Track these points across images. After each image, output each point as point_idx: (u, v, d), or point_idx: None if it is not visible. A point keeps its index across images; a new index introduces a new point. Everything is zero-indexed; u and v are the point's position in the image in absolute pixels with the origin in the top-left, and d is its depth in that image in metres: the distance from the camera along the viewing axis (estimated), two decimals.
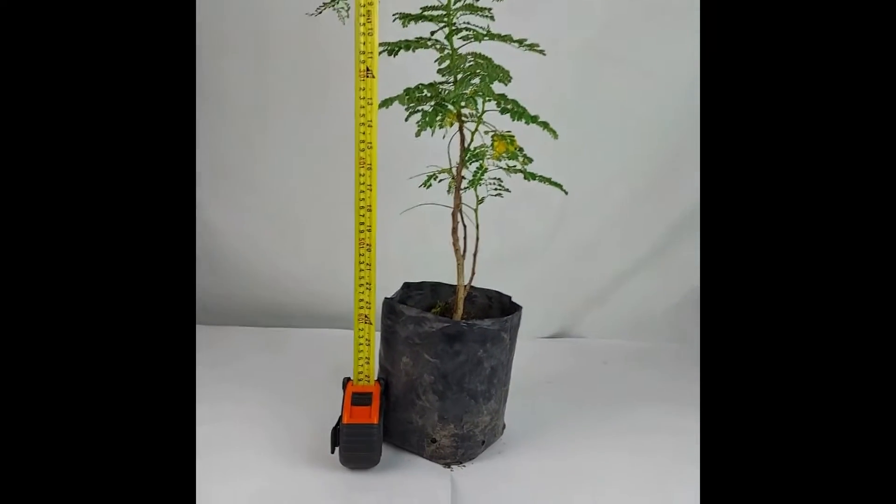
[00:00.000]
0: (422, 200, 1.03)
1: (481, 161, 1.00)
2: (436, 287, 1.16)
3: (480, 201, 1.03)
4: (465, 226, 1.07)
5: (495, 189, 1.02)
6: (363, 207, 0.97)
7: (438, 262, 1.34)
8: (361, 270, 0.98)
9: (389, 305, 1.03)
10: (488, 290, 1.15)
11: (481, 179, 0.98)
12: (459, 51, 0.99)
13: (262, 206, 1.50)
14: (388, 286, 1.13)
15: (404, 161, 1.30)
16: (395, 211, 1.15)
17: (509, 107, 0.93)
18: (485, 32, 0.95)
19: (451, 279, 1.14)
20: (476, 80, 0.94)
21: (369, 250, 0.98)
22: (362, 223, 0.97)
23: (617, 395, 1.23)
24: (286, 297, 1.52)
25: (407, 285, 1.14)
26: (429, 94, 0.98)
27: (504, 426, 1.10)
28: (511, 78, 0.95)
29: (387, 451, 1.02)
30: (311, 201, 1.50)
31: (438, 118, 0.96)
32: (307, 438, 1.05)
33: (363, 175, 0.96)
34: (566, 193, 1.02)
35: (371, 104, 0.95)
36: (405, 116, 1.01)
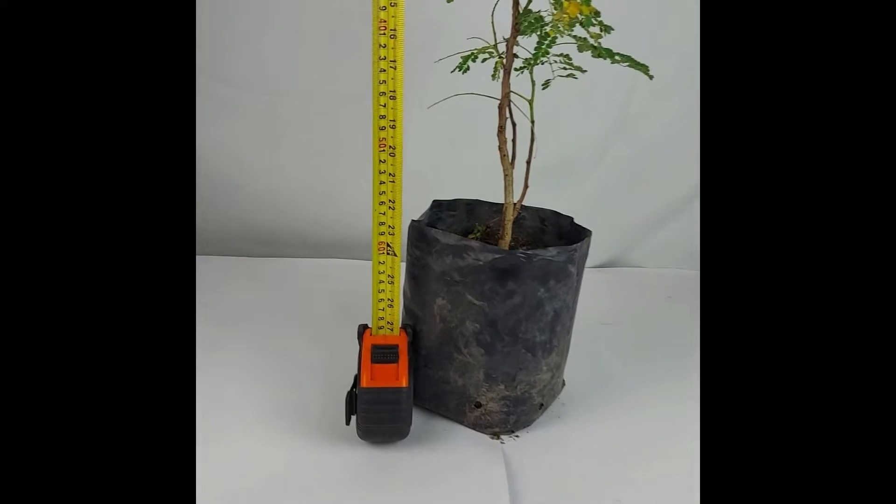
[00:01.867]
0: (455, 90, 0.78)
1: (544, 28, 0.73)
2: (472, 206, 0.92)
3: (546, 85, 0.77)
4: (514, 123, 0.82)
5: (563, 68, 0.76)
6: (384, 94, 0.71)
7: (474, 174, 1.09)
8: (382, 183, 0.74)
9: (419, 230, 0.79)
10: (541, 209, 0.91)
11: (546, 53, 0.72)
12: None
13: (248, 107, 1.22)
14: (410, 206, 0.88)
15: (431, 37, 1.03)
16: (419, 105, 0.89)
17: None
18: None
19: (492, 195, 0.90)
20: None
21: (393, 155, 0.73)
22: (383, 116, 0.72)
23: (688, 339, 1.01)
24: (276, 220, 1.27)
25: (437, 204, 0.89)
26: None
27: (563, 383, 0.89)
28: None
29: (417, 418, 0.81)
30: (306, 96, 1.23)
31: None
32: (313, 404, 0.84)
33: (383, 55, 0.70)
34: (651, 78, 0.76)
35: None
36: None
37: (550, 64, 0.76)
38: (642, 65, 0.75)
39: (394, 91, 0.71)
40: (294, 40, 1.19)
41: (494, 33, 0.80)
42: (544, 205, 0.91)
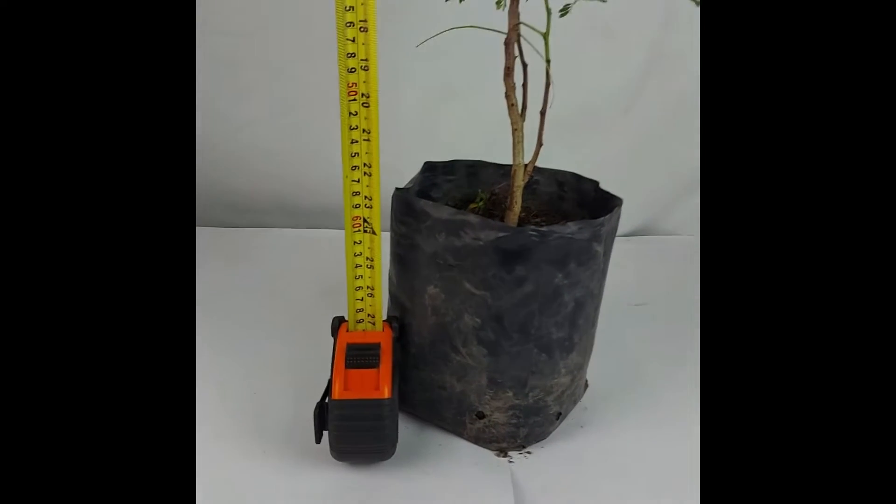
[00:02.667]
0: (451, 24, 0.63)
1: None
2: (475, 169, 0.76)
3: (564, 11, 0.60)
4: (525, 64, 0.66)
5: None
6: (352, 25, 0.55)
7: (477, 131, 0.93)
8: (354, 142, 0.58)
9: (404, 201, 0.63)
10: (558, 171, 0.75)
11: None
12: None
13: (209, 50, 1.06)
14: (397, 172, 0.73)
15: None
16: (406, 43, 0.73)
17: None
18: None
19: (498, 155, 0.74)
20: None
21: (367, 105, 0.57)
22: (351, 54, 0.56)
23: None
24: (250, 184, 1.12)
25: (430, 167, 0.74)
26: None
27: (586, 384, 0.74)
28: None
29: (405, 430, 0.67)
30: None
31: None
32: (282, 414, 0.70)
33: None
34: (698, 4, 0.58)
35: None
36: None
37: None
38: None
39: (364, 21, 0.55)
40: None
41: None
42: (562, 165, 0.75)
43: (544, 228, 0.58)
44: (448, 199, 0.75)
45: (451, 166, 0.75)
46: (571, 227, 0.59)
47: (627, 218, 1.11)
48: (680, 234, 1.14)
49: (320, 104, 1.07)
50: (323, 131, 1.08)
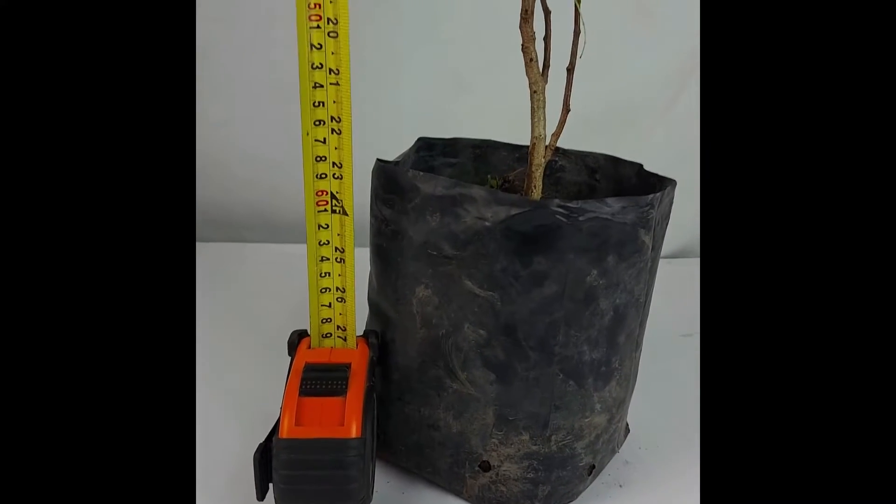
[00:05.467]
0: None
1: None
2: (483, 150, 0.62)
3: None
4: (548, 10, 0.53)
5: None
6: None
7: (488, 110, 0.80)
8: (317, 86, 0.45)
9: (388, 174, 0.49)
10: (590, 153, 0.61)
11: None
12: None
13: None
14: (393, 150, 0.60)
15: None
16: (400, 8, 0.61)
17: None
18: None
19: (513, 136, 0.61)
20: None
21: (335, 35, 0.44)
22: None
23: None
24: (226, 195, 0.99)
25: (427, 145, 0.60)
26: None
27: (627, 428, 0.58)
28: None
29: (384, 483, 0.51)
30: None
31: None
32: (226, 462, 0.55)
33: None
34: None
35: None
36: None
37: None
38: None
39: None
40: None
41: None
42: None
43: (574, 204, 0.44)
44: None
45: (452, 145, 0.61)
46: (612, 205, 0.45)
47: (672, 236, 0.97)
48: None
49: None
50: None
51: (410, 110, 0.89)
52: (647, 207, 0.46)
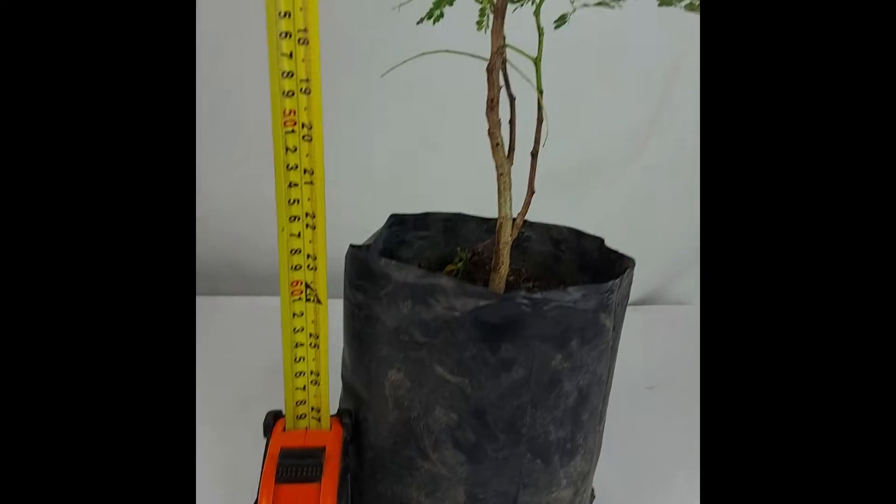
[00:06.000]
0: (421, 48, 0.54)
1: None
2: (453, 223, 0.65)
3: (560, 21, 0.51)
4: (513, 96, 0.56)
5: None
6: (287, 36, 0.44)
7: (455, 181, 0.83)
8: (293, 186, 0.47)
9: (360, 261, 0.51)
10: (554, 226, 0.64)
11: None
12: None
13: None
14: (360, 229, 0.62)
15: None
16: (370, 71, 0.63)
17: None
18: None
19: (481, 208, 0.64)
20: None
21: (309, 139, 0.46)
22: (288, 73, 0.45)
23: None
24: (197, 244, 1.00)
25: (398, 220, 0.62)
26: None
27: (593, 495, 0.61)
28: None
29: None
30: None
31: None
32: None
33: None
34: (697, 9, 0.49)
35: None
36: None
37: None
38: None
39: (304, 31, 0.44)
40: None
41: None
42: (558, 222, 0.64)
43: (538, 295, 0.46)
44: (420, 259, 0.64)
45: (423, 220, 0.63)
46: (573, 294, 0.47)
47: (635, 284, 1.00)
48: (690, 304, 1.03)
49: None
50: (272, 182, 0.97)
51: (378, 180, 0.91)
52: (608, 293, 0.49)
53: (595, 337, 0.49)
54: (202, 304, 0.99)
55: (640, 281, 1.01)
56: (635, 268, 0.55)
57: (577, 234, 0.62)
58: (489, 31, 0.55)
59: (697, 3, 0.46)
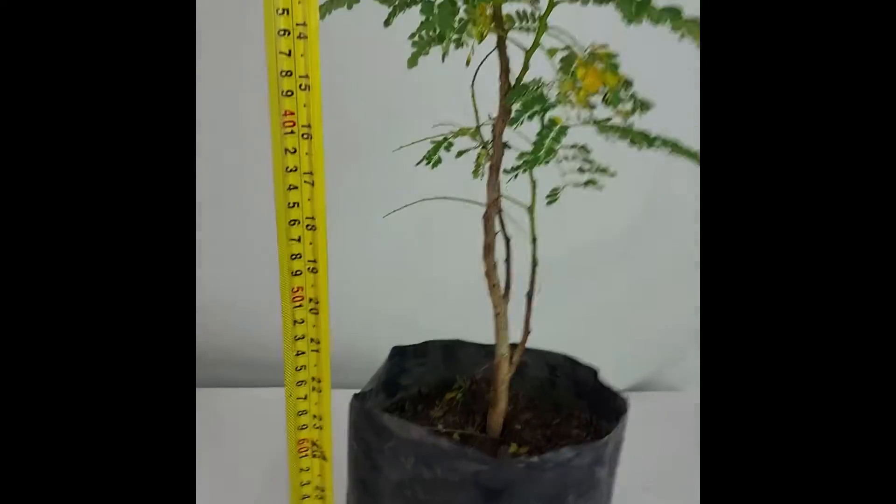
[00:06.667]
0: (422, 192, 0.57)
1: (544, 107, 0.49)
2: (451, 349, 0.67)
3: (552, 198, 0.54)
4: (508, 238, 0.59)
5: (580, 170, 0.53)
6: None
7: (455, 302, 0.85)
8: (300, 353, 0.49)
9: (364, 414, 0.53)
10: (550, 353, 0.66)
11: (552, 152, 0.48)
12: None
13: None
14: (367, 355, 0.64)
15: (387, 111, 0.82)
16: (374, 214, 0.66)
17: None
18: None
19: (478, 333, 0.66)
20: None
21: (315, 312, 0.48)
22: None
23: None
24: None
25: (399, 352, 0.65)
26: None
27: None
28: None
29: None
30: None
31: (457, 25, 0.48)
32: None
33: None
34: (698, 162, 0.52)
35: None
36: (386, 18, 0.53)
37: (559, 161, 0.53)
38: (689, 151, 0.51)
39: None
40: None
41: (476, 111, 0.58)
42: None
43: (535, 459, 0.49)
44: (421, 385, 0.66)
45: (423, 348, 0.66)
46: (567, 453, 0.49)
47: (624, 370, 1.02)
48: (681, 390, 1.05)
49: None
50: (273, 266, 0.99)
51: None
52: (602, 448, 0.51)
53: (590, 490, 0.52)
54: (203, 396, 1.00)
55: (635, 368, 1.03)
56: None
57: (573, 363, 0.65)
58: (485, 181, 0.58)
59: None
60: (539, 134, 0.47)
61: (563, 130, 0.47)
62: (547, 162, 0.48)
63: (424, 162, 0.59)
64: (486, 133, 0.58)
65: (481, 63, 0.56)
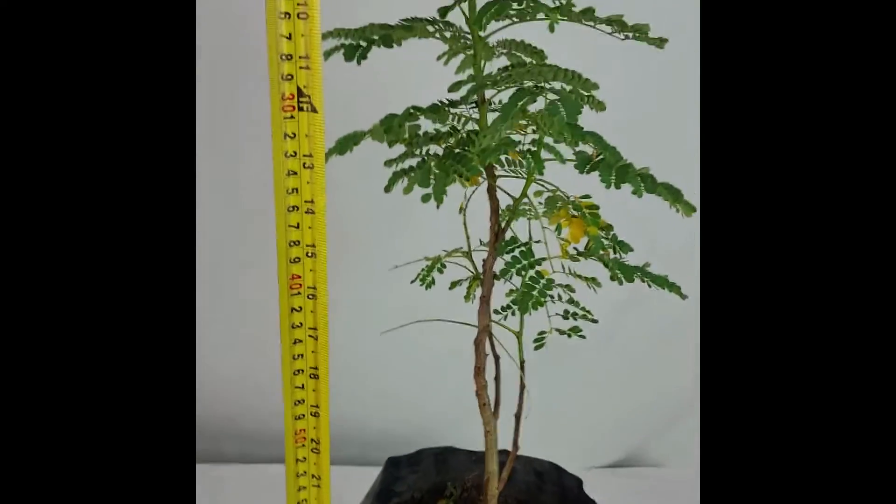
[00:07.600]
0: (414, 311, 0.60)
1: (530, 263, 0.54)
2: (443, 456, 0.71)
3: (539, 343, 0.58)
4: (498, 356, 0.63)
5: (565, 315, 0.57)
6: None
7: (446, 410, 0.89)
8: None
9: None
10: (536, 460, 0.70)
11: (540, 304, 0.52)
12: (489, 40, 0.53)
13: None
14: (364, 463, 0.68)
15: (381, 229, 0.86)
16: (371, 327, 0.70)
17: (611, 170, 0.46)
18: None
19: (470, 440, 0.70)
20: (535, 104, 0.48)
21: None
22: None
23: None
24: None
25: (393, 463, 0.68)
26: (433, 132, 0.53)
27: None
28: (602, 105, 0.49)
29: None
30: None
31: (451, 180, 0.52)
32: None
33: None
34: (684, 298, 0.56)
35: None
36: (385, 162, 0.57)
37: (545, 303, 0.57)
38: (675, 287, 0.56)
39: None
40: None
41: (468, 237, 0.62)
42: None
43: None
44: (414, 491, 0.69)
45: (416, 457, 0.70)
46: None
47: (607, 446, 1.05)
48: (664, 466, 1.08)
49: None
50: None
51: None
52: None
53: None
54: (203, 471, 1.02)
55: (616, 444, 1.07)
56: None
57: (558, 470, 0.69)
58: (476, 307, 0.62)
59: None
60: (524, 287, 0.51)
61: (549, 284, 0.51)
62: (534, 312, 0.52)
63: (420, 282, 0.64)
64: (477, 256, 0.62)
65: (471, 195, 0.60)
